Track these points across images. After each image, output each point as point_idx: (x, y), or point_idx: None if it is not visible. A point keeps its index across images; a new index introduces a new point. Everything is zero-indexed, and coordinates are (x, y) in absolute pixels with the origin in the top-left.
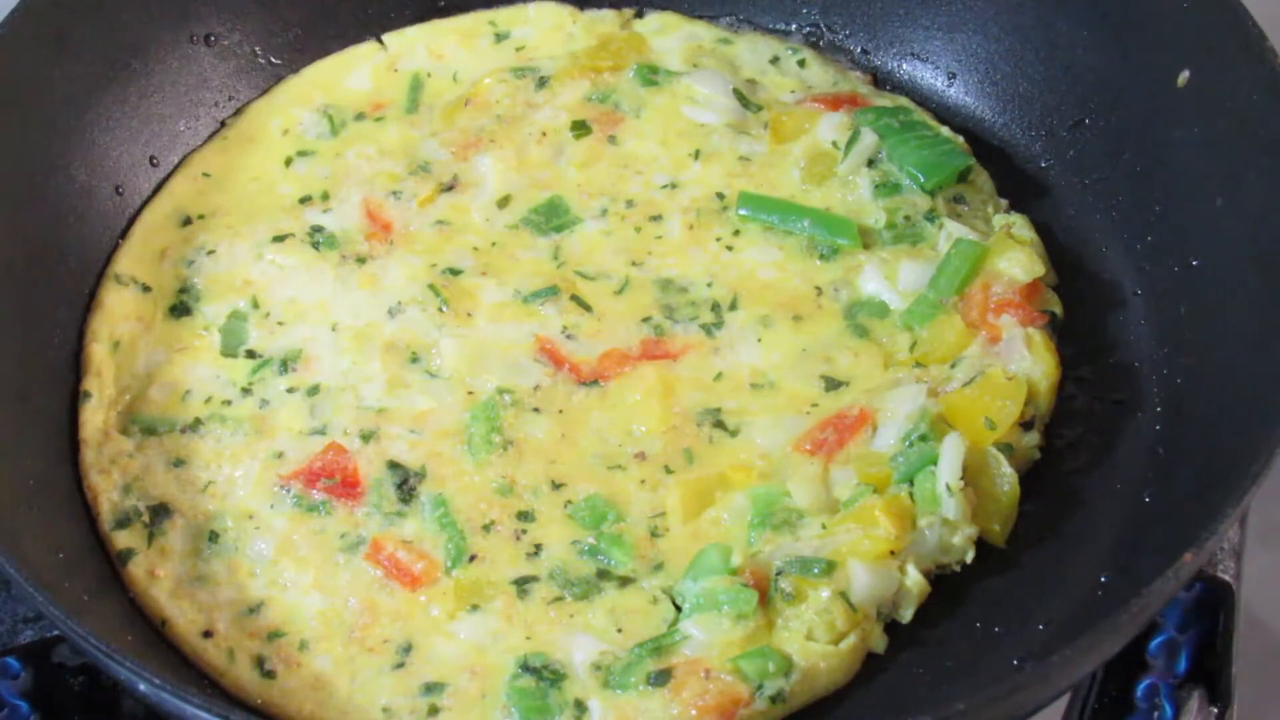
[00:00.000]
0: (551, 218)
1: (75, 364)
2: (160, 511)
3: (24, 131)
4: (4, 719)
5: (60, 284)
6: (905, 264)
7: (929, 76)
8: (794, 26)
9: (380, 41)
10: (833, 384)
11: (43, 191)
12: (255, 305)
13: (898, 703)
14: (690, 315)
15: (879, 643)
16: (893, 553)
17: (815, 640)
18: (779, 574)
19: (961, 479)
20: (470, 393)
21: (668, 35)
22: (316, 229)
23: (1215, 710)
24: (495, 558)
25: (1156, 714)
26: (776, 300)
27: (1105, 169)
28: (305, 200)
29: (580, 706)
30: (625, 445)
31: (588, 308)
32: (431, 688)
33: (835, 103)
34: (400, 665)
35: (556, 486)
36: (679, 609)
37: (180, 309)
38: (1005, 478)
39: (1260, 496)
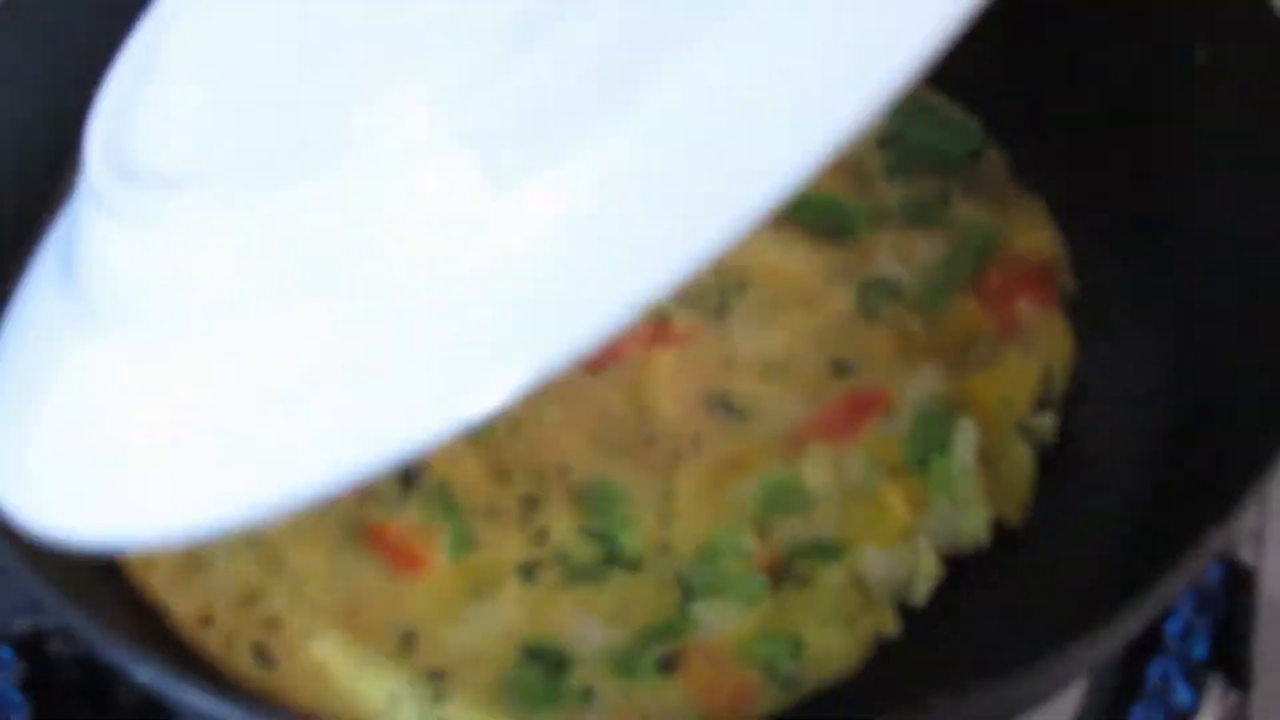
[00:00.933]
0: None
1: None
2: None
3: None
4: None
5: None
6: (918, 245)
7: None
8: None
9: None
10: (844, 367)
11: None
12: None
13: (910, 685)
14: (697, 299)
15: (891, 626)
16: (906, 535)
17: (828, 624)
18: (791, 558)
19: (976, 461)
20: None
21: None
22: None
23: (1235, 694)
24: (500, 543)
25: (1175, 698)
26: (786, 284)
27: (1118, 151)
28: None
29: (587, 693)
30: (633, 430)
31: None
32: (435, 674)
33: None
34: (403, 652)
35: (562, 471)
36: (688, 594)
37: None
38: (1020, 459)
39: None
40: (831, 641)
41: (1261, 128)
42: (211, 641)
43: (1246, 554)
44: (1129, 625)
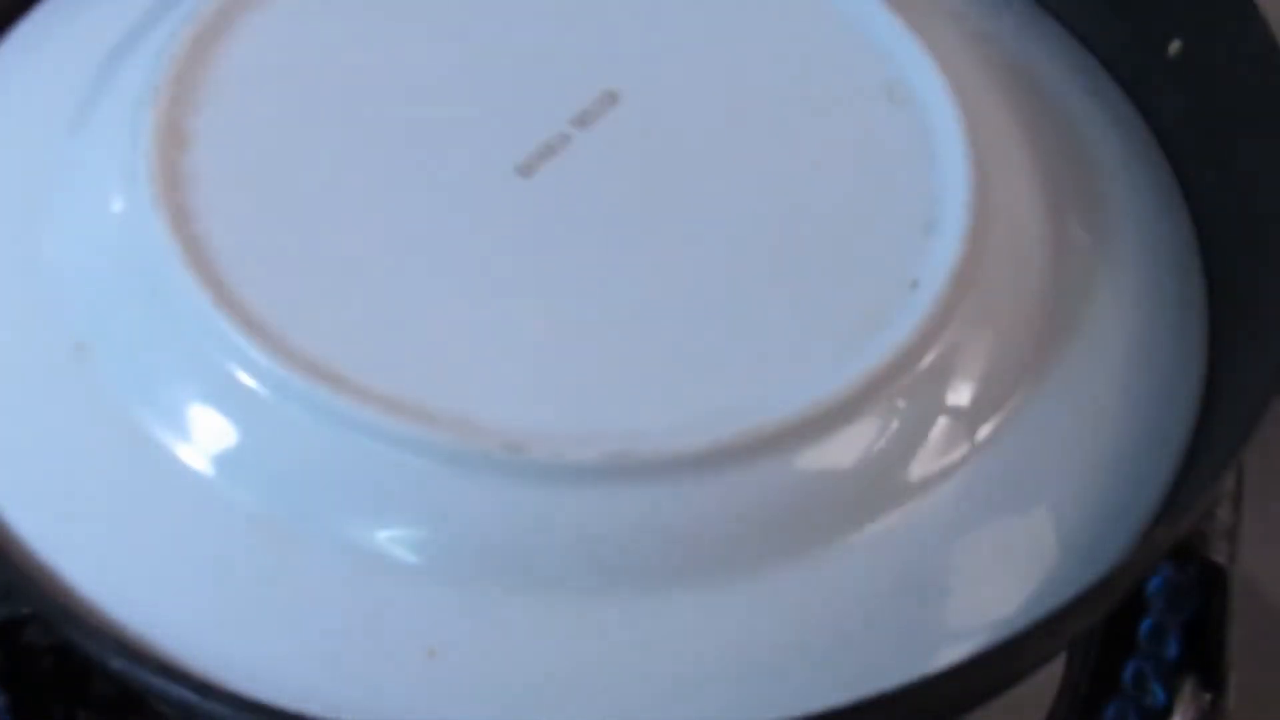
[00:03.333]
0: None
1: None
2: None
3: None
4: None
5: None
6: None
7: None
8: None
9: None
10: None
11: None
12: None
13: None
14: None
15: None
16: None
17: None
18: None
19: None
20: None
21: None
22: None
23: (1209, 696)
24: None
25: (1147, 698)
26: None
27: None
28: None
29: None
30: None
31: None
32: None
33: None
34: None
35: None
36: None
37: None
38: None
39: (1261, 479)
40: None
41: (1236, 130)
42: None
43: (1220, 553)
44: (1073, 622)
